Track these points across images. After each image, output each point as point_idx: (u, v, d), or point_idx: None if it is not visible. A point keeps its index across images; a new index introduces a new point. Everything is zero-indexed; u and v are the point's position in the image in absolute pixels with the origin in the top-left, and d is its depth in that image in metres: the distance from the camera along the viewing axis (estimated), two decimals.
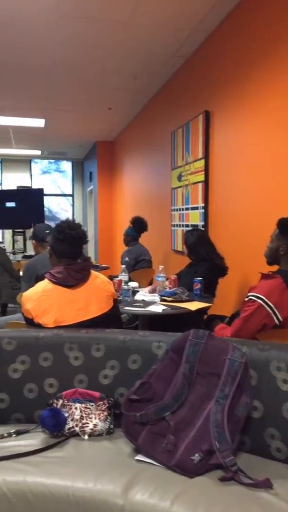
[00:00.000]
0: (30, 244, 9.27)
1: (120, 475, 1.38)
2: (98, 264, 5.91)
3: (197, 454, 1.42)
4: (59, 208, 11.59)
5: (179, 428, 1.50)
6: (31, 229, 8.28)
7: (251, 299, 2.02)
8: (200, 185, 4.06)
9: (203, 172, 3.95)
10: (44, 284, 2.10)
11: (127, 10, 3.36)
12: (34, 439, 1.62)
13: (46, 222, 8.35)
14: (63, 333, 1.93)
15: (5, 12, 3.40)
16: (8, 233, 9.18)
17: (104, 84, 5.21)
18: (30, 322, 2.06)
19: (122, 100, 5.92)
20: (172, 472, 1.41)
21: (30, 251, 8.27)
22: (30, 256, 6.98)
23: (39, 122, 6.98)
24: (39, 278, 3.02)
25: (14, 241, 8.66)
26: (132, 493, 1.30)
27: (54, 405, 1.69)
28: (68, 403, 1.70)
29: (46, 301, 2.04)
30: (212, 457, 1.43)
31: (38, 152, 9.75)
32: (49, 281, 2.10)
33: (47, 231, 3.44)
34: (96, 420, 1.67)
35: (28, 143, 8.69)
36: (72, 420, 1.65)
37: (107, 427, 1.68)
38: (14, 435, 1.66)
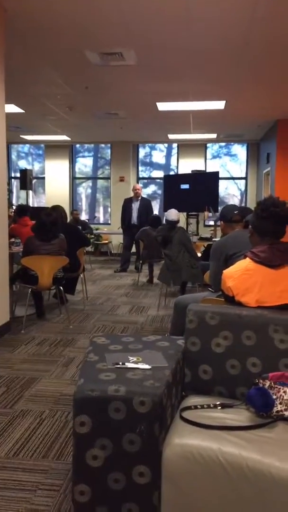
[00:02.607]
0: (202, 227, 9.45)
1: None
2: None
3: None
4: (225, 192, 11.47)
5: None
6: (205, 212, 8.37)
7: None
8: None
9: None
10: (246, 263, 2.06)
11: None
12: (239, 415, 1.62)
13: None
14: (267, 314, 1.86)
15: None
16: (183, 215, 9.51)
17: None
18: (230, 300, 2.06)
19: None
20: None
21: (204, 233, 8.44)
22: (206, 238, 7.12)
23: (219, 104, 6.94)
24: (228, 258, 3.04)
25: (188, 223, 8.94)
26: None
27: (260, 385, 1.65)
28: (275, 386, 1.63)
29: (248, 280, 2.01)
30: None
31: (214, 136, 9.76)
32: (251, 260, 2.05)
33: (235, 212, 3.41)
34: None
35: (205, 127, 8.77)
36: (280, 403, 1.58)
37: None
38: (219, 407, 1.68)
